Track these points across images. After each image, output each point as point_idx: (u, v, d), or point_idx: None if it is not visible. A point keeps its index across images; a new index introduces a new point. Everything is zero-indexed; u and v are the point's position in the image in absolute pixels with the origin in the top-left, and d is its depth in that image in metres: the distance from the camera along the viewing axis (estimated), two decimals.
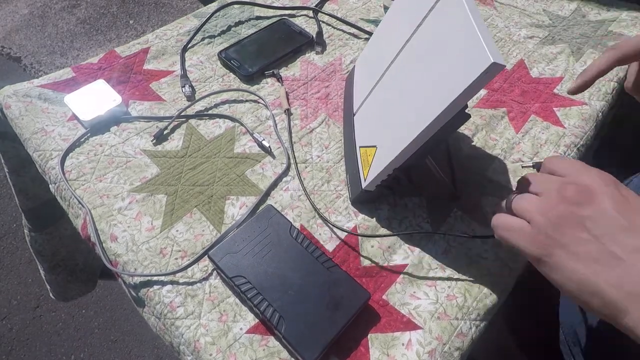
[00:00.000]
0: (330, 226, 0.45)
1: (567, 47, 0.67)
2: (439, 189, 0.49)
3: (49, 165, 0.51)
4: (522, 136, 0.55)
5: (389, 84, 0.46)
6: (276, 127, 0.55)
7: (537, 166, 0.37)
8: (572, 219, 0.30)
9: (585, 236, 0.29)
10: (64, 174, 0.49)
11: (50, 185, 0.51)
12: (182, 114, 0.56)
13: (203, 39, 0.68)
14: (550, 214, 0.31)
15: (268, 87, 0.61)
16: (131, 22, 2.13)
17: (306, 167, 0.51)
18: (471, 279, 0.42)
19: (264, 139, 0.53)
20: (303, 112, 0.58)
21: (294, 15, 0.73)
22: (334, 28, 0.71)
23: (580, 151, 0.54)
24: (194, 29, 0.69)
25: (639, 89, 0.42)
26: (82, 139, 0.53)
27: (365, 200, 0.48)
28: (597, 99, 0.59)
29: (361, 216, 0.47)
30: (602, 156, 0.58)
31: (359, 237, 0.45)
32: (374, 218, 0.47)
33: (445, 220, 0.47)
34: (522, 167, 0.40)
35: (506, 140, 0.54)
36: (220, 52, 0.64)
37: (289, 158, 0.52)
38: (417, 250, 0.44)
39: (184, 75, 0.61)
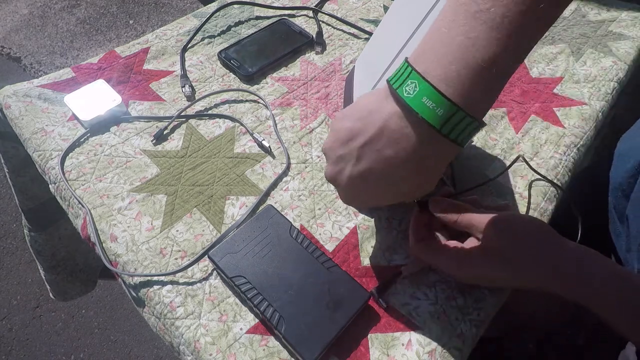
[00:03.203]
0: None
1: (567, 47, 0.67)
2: (439, 189, 0.49)
3: (48, 165, 0.51)
4: (522, 136, 0.55)
5: None
6: (276, 127, 0.55)
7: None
8: None
9: None
10: (63, 174, 0.49)
11: (50, 185, 0.51)
12: (182, 114, 0.56)
13: (203, 39, 0.68)
14: None
15: (268, 87, 0.61)
16: (131, 22, 2.13)
17: (306, 167, 0.51)
18: None
19: (263, 139, 0.53)
20: (303, 112, 0.58)
21: (293, 15, 0.73)
22: (334, 28, 0.71)
23: (580, 151, 0.54)
24: (194, 29, 0.69)
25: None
26: (82, 139, 0.53)
27: None
28: (597, 99, 0.59)
29: (361, 216, 0.47)
30: (602, 156, 0.58)
31: (359, 237, 0.45)
32: (374, 218, 0.47)
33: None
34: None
35: (506, 140, 0.54)
36: (220, 52, 0.64)
37: (288, 158, 0.52)
38: None
39: (184, 75, 0.61)
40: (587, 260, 0.34)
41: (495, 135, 0.55)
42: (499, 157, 0.52)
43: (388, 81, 0.31)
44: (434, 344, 0.38)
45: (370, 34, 0.68)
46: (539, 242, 0.35)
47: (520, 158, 0.50)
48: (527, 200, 0.48)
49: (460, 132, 0.28)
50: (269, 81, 0.62)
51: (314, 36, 0.67)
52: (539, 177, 0.50)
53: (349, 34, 0.70)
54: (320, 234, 0.45)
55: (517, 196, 0.49)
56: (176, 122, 0.56)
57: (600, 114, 0.58)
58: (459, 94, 0.27)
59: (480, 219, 0.37)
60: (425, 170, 0.31)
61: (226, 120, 0.56)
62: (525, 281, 0.35)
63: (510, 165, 0.49)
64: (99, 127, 0.54)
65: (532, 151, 0.53)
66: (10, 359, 1.11)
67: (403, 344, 0.38)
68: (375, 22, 0.72)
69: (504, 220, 0.37)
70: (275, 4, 0.74)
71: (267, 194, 0.48)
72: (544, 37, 0.68)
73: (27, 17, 2.15)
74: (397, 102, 0.30)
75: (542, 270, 0.34)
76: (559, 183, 0.50)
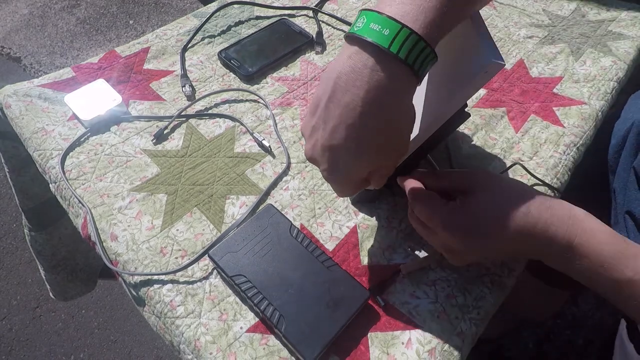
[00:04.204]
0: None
1: (566, 47, 0.67)
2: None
3: (49, 164, 0.51)
4: (522, 136, 0.55)
5: None
6: (276, 126, 0.55)
7: None
8: None
9: None
10: (64, 173, 0.49)
11: (50, 185, 0.51)
12: (182, 113, 0.56)
13: (203, 39, 0.68)
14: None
15: (268, 87, 0.61)
16: (131, 22, 2.13)
17: (306, 167, 0.51)
18: (471, 278, 0.42)
19: (264, 139, 0.53)
20: (303, 111, 0.58)
21: (293, 15, 0.73)
22: (334, 28, 0.71)
23: (580, 151, 0.54)
24: (194, 28, 0.69)
25: None
26: (82, 139, 0.53)
27: (365, 199, 0.48)
28: (596, 98, 0.59)
29: (361, 215, 0.47)
30: (601, 155, 0.59)
31: (359, 237, 0.45)
32: (374, 217, 0.47)
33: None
34: None
35: (506, 139, 0.54)
36: (220, 51, 0.64)
37: (289, 157, 0.52)
38: (417, 249, 0.44)
39: (184, 75, 0.61)
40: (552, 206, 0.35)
41: (495, 135, 0.55)
42: (498, 156, 0.52)
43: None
44: (434, 343, 0.38)
45: None
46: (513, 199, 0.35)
47: (518, 165, 0.50)
48: None
49: (408, 50, 0.28)
50: (269, 81, 0.62)
51: (314, 36, 0.67)
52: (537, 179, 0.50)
53: None
54: (320, 233, 0.45)
55: None
56: (176, 122, 0.56)
57: (600, 113, 0.58)
58: (404, 16, 0.28)
59: (456, 177, 0.39)
60: (387, 112, 0.30)
61: (226, 119, 0.56)
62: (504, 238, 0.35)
63: (507, 169, 0.49)
64: (99, 126, 0.54)
65: (532, 151, 0.53)
66: (10, 359, 1.11)
67: (403, 343, 0.38)
68: None
69: (476, 173, 0.38)
70: (275, 4, 0.74)
71: (267, 193, 0.49)
72: (543, 37, 0.68)
73: (27, 17, 2.15)
74: (350, 42, 0.30)
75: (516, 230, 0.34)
76: (558, 182, 0.50)
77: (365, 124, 0.30)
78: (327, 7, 0.75)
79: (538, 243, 0.34)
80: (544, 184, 0.49)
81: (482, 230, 0.35)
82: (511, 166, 0.49)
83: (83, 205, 0.47)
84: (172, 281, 0.42)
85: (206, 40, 0.67)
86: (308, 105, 0.34)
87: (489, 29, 0.36)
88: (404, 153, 0.34)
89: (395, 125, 0.31)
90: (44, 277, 0.83)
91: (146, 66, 0.63)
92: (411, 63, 0.29)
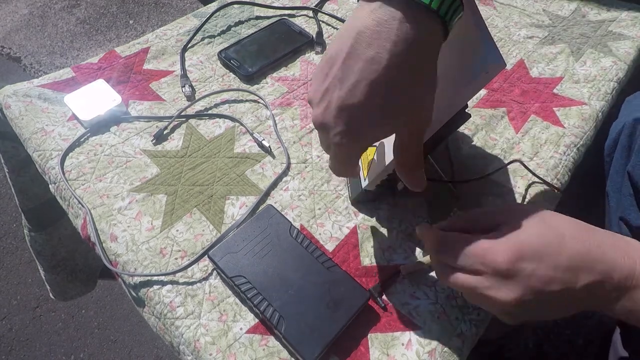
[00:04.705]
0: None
1: (566, 47, 0.67)
2: (439, 188, 0.49)
3: (48, 165, 0.51)
4: (522, 136, 0.55)
5: None
6: (276, 127, 0.55)
7: None
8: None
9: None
10: (63, 173, 0.49)
11: (50, 185, 0.51)
12: (182, 113, 0.56)
13: (203, 39, 0.68)
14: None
15: (268, 87, 0.61)
16: (131, 22, 2.13)
17: (306, 167, 0.51)
18: None
19: (263, 139, 0.53)
20: (303, 111, 0.58)
21: (293, 15, 0.73)
22: (334, 28, 0.71)
23: (580, 151, 0.54)
24: (194, 28, 0.69)
25: None
26: (82, 139, 0.53)
27: (365, 200, 0.48)
28: (597, 99, 0.59)
29: (361, 216, 0.47)
30: (601, 156, 0.59)
31: (359, 237, 0.45)
32: (374, 218, 0.47)
33: (445, 220, 0.47)
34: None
35: (506, 140, 0.54)
36: (220, 52, 0.64)
37: (288, 158, 0.52)
38: (417, 250, 0.44)
39: (184, 75, 0.61)
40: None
41: (495, 135, 0.55)
42: (499, 156, 0.52)
43: None
44: (434, 344, 0.38)
45: None
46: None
47: (518, 162, 0.50)
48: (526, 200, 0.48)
49: (440, 1, 0.26)
50: (269, 81, 0.62)
51: (314, 36, 0.67)
52: (537, 178, 0.50)
53: None
54: (320, 234, 0.45)
55: (517, 196, 0.49)
56: (176, 122, 0.56)
57: (600, 114, 0.58)
58: None
59: (488, 214, 0.34)
60: (414, 67, 0.28)
61: (226, 120, 0.56)
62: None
63: (505, 165, 0.49)
64: (99, 127, 0.54)
65: (532, 151, 0.53)
66: (10, 359, 1.11)
67: (403, 344, 0.38)
68: None
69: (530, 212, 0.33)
70: (275, 4, 0.74)
71: (267, 193, 0.48)
72: (543, 37, 0.68)
73: (27, 17, 2.15)
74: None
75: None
76: (558, 183, 0.50)
77: (390, 79, 0.27)
78: (327, 7, 0.75)
79: (595, 272, 0.29)
80: (544, 182, 0.49)
81: (535, 254, 0.29)
82: (510, 162, 0.49)
83: (83, 205, 0.47)
84: (172, 282, 0.42)
85: (206, 40, 0.67)
86: (315, 71, 0.31)
87: (489, 29, 0.35)
88: (428, 122, 0.31)
89: (421, 83, 0.28)
90: (43, 277, 0.83)
91: (146, 66, 0.63)
92: (443, 14, 0.27)
